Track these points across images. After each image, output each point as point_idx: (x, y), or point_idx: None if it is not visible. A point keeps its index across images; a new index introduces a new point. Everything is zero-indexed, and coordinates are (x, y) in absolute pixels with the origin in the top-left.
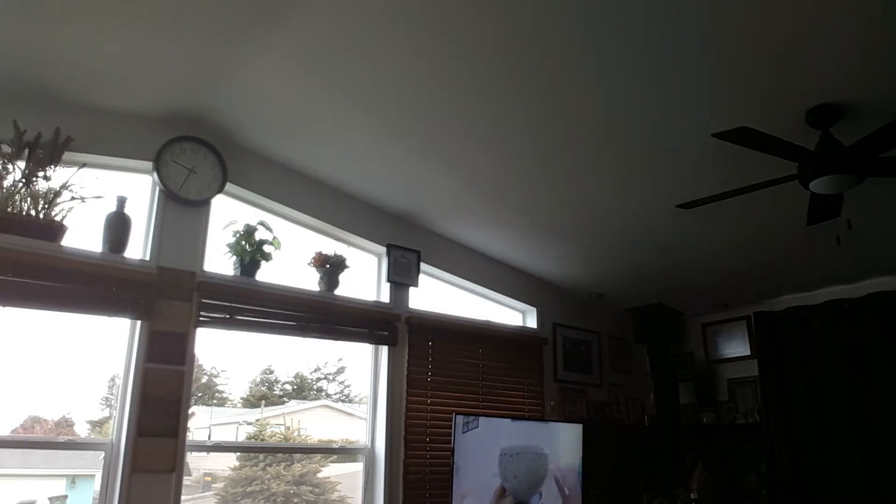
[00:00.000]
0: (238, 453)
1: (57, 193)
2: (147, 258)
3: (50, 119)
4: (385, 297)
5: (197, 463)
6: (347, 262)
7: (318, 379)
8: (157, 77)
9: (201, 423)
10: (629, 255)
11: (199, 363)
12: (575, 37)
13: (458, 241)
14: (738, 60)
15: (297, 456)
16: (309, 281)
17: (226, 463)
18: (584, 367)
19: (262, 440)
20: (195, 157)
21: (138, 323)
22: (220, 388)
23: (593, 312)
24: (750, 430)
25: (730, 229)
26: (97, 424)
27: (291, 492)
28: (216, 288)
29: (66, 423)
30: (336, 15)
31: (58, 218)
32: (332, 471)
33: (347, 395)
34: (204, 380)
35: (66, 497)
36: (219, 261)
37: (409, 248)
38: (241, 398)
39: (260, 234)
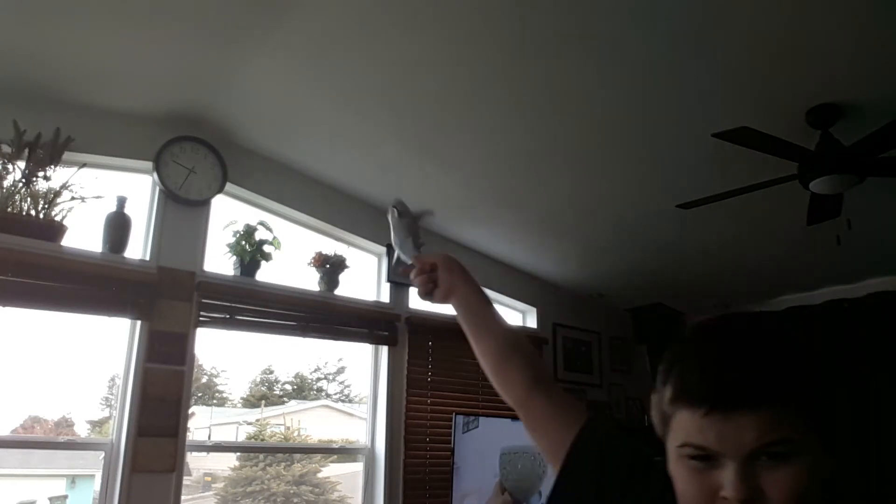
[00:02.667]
0: (238, 453)
1: (57, 193)
2: (147, 258)
3: (50, 119)
4: (385, 297)
5: (197, 463)
6: (347, 262)
7: (318, 379)
8: (157, 77)
9: (201, 423)
10: (629, 255)
11: (199, 363)
12: (574, 37)
13: (458, 241)
14: (737, 60)
15: (297, 456)
16: (309, 281)
17: (226, 463)
18: (584, 367)
19: (262, 440)
20: (195, 157)
21: (138, 323)
22: (220, 388)
23: (593, 312)
24: None
25: (730, 229)
26: (97, 424)
27: (291, 492)
28: (216, 288)
29: (66, 423)
30: (336, 15)
31: (58, 218)
32: (332, 471)
33: (347, 395)
34: (204, 380)
35: (66, 497)
36: (219, 261)
37: None
38: (241, 398)
39: (260, 234)
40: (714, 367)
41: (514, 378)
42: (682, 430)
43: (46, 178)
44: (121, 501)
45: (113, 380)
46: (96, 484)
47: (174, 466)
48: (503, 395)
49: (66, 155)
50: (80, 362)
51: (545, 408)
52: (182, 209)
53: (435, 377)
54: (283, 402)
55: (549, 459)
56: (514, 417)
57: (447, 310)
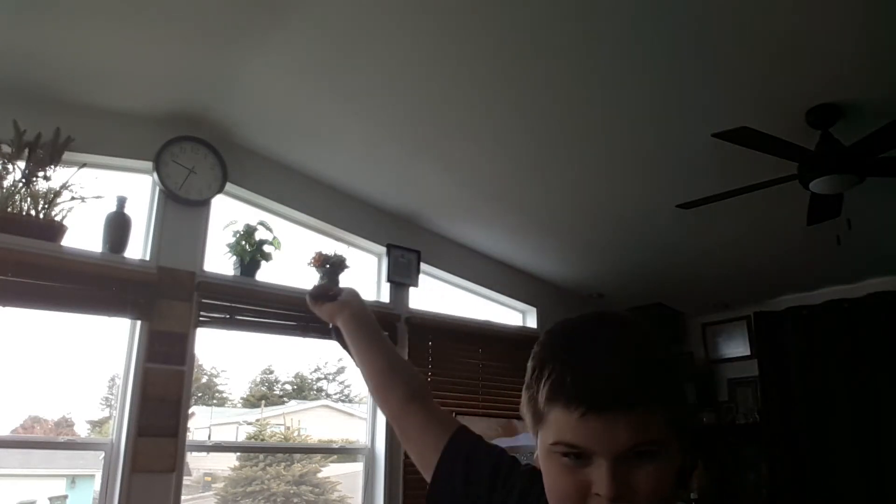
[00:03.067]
0: (238, 453)
1: (57, 193)
2: (147, 258)
3: (50, 119)
4: (385, 298)
5: (197, 463)
6: (347, 262)
7: (318, 379)
8: (157, 77)
9: (201, 423)
10: (629, 255)
11: (199, 363)
12: (573, 37)
13: (458, 241)
14: (737, 60)
15: (297, 456)
16: (309, 281)
17: (226, 463)
18: None
19: (262, 440)
20: (195, 157)
21: (138, 323)
22: (220, 388)
23: None
24: (750, 430)
25: (730, 229)
26: (97, 424)
27: (291, 492)
28: (216, 288)
29: (66, 423)
30: (335, 16)
31: (58, 218)
32: (332, 471)
33: (347, 395)
34: (204, 380)
35: (66, 497)
36: (219, 261)
37: (409, 248)
38: (241, 398)
39: (260, 234)
40: (591, 369)
41: (395, 391)
42: (556, 428)
43: (46, 178)
44: (121, 501)
45: (113, 380)
46: (96, 484)
47: (174, 466)
48: (382, 405)
49: (66, 155)
50: (80, 362)
51: (421, 420)
52: (182, 209)
53: (435, 377)
54: (283, 402)
55: (421, 467)
56: (514, 417)
57: (447, 310)
